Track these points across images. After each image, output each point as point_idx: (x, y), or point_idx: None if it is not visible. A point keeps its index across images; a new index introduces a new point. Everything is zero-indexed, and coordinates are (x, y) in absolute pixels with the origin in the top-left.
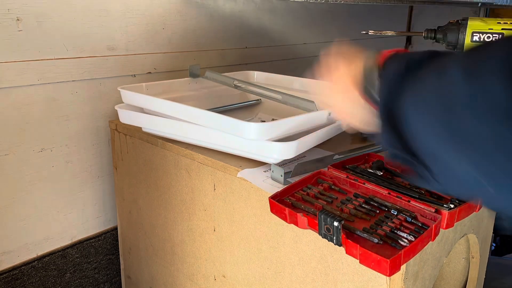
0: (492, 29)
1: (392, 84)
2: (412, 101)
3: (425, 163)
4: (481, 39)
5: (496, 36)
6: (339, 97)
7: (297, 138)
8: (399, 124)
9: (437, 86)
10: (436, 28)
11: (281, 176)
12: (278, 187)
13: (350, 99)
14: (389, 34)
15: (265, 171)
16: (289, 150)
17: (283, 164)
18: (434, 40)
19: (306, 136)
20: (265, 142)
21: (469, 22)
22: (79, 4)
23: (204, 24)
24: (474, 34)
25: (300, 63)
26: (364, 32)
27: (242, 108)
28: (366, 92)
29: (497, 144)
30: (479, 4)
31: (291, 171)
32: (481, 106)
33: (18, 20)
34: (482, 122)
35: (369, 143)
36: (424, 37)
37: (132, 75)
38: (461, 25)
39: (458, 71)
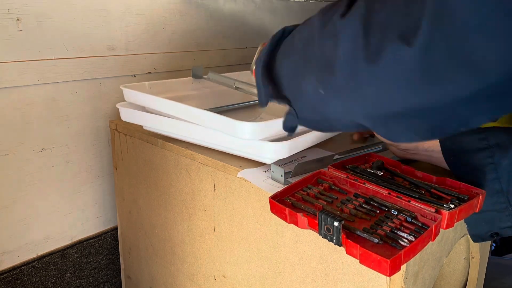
0: None
1: (270, 47)
2: (283, 51)
3: (290, 100)
4: None
5: None
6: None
7: (294, 137)
8: (274, 75)
9: (301, 32)
10: None
11: (281, 176)
12: (278, 187)
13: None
14: None
15: (265, 171)
16: (282, 150)
17: (283, 164)
18: None
19: (300, 136)
20: (259, 142)
21: None
22: (79, 4)
23: (204, 24)
24: None
25: None
26: None
27: (246, 108)
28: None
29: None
30: None
31: (291, 171)
32: (323, 34)
33: (18, 20)
34: (322, 45)
35: (369, 143)
36: None
37: (132, 75)
38: None
39: (316, 16)
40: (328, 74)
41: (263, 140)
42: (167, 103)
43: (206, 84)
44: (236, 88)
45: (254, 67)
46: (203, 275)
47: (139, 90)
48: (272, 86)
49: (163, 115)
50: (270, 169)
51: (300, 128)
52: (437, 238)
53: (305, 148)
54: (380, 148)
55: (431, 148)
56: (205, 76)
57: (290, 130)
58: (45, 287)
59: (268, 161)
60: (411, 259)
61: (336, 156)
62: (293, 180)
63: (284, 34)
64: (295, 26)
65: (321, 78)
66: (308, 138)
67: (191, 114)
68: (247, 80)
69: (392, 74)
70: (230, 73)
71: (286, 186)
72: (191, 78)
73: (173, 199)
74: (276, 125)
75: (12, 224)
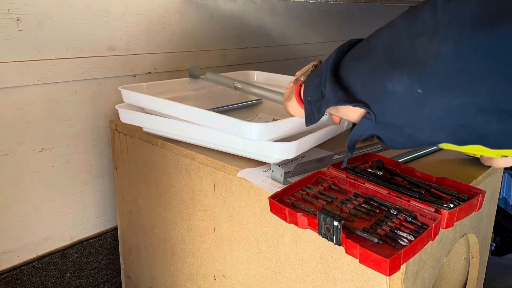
0: None
1: (338, 53)
2: (354, 57)
3: (368, 103)
4: None
5: None
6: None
7: (297, 138)
8: (342, 82)
9: (379, 35)
10: None
11: (281, 176)
12: (278, 187)
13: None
14: None
15: (265, 171)
16: (289, 150)
17: (283, 164)
18: None
19: (307, 136)
20: (265, 142)
21: None
22: (79, 4)
23: (204, 24)
24: None
25: (300, 63)
26: None
27: (243, 108)
28: (303, 90)
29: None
30: None
31: (291, 171)
32: (414, 30)
33: (18, 20)
34: (416, 41)
35: (369, 143)
36: None
37: (132, 75)
38: None
39: (398, 19)
40: (428, 70)
41: (270, 141)
42: (168, 104)
43: (203, 84)
44: (235, 88)
45: (303, 78)
46: (203, 275)
47: (137, 91)
48: (344, 91)
49: (163, 116)
50: (270, 169)
51: (302, 128)
52: (437, 237)
53: (311, 147)
54: (380, 148)
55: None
56: (203, 76)
57: (358, 138)
58: (45, 287)
59: (274, 161)
60: (411, 259)
61: (336, 156)
62: (293, 180)
63: (351, 43)
64: (360, 39)
65: (418, 76)
66: (314, 138)
67: (195, 115)
68: (244, 79)
69: None
70: (227, 73)
71: (285, 186)
72: (188, 78)
73: (173, 199)
74: (282, 126)
75: (12, 224)
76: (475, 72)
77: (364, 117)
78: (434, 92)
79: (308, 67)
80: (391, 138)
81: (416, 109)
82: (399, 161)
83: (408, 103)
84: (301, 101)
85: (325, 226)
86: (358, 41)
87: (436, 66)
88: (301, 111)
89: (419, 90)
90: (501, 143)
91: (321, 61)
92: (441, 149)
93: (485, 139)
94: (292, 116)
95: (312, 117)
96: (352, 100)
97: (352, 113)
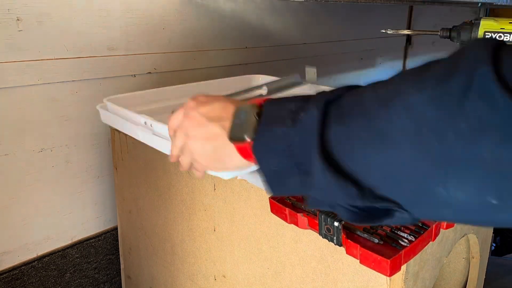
0: (504, 28)
1: (320, 118)
2: (355, 138)
3: (400, 203)
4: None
5: (507, 36)
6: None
7: None
8: (346, 166)
9: (394, 114)
10: (451, 27)
11: None
12: None
13: (218, 155)
14: (406, 32)
15: None
16: None
17: None
18: (449, 38)
19: None
20: None
21: (481, 22)
22: (79, 4)
23: (204, 24)
24: (486, 34)
25: (300, 63)
26: (383, 31)
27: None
28: (237, 134)
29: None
30: (479, 4)
31: None
32: (470, 127)
33: (18, 20)
34: (473, 143)
35: None
36: (440, 36)
37: (132, 75)
38: (474, 24)
39: (417, 91)
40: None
41: None
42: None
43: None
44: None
45: (247, 135)
46: (203, 275)
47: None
48: (352, 183)
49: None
50: None
51: None
52: (437, 238)
53: None
54: None
55: None
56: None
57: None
58: (45, 287)
59: None
60: (411, 259)
61: None
62: None
63: (329, 100)
64: (339, 96)
65: (490, 185)
66: None
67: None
68: (247, 83)
69: None
70: (232, 78)
71: None
72: (176, 86)
73: (173, 199)
74: None
75: (12, 224)
76: None
77: (394, 210)
78: None
79: (241, 106)
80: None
81: (485, 218)
82: None
83: (472, 210)
84: (252, 157)
85: (325, 226)
86: (335, 98)
87: None
88: (244, 165)
89: (494, 201)
90: None
91: (260, 104)
92: None
93: None
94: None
95: (280, 188)
96: (377, 198)
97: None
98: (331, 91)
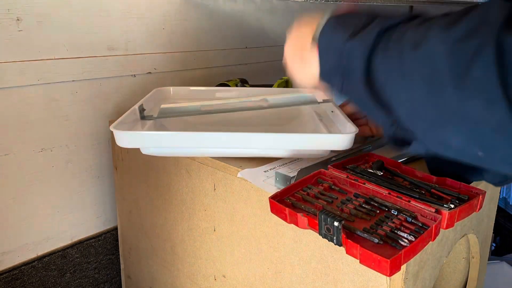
0: None
1: (364, 40)
2: (391, 71)
3: (408, 128)
4: None
5: None
6: (294, 52)
7: None
8: (384, 94)
9: (418, 58)
10: None
11: (288, 183)
12: (278, 187)
13: (302, 55)
14: None
15: (265, 171)
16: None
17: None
18: None
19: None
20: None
21: None
22: (79, 4)
23: (204, 24)
24: None
25: None
26: None
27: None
28: (315, 35)
29: (486, 120)
30: (479, 4)
31: (294, 176)
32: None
33: (18, 20)
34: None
35: (368, 143)
36: None
37: (132, 75)
38: None
39: (440, 43)
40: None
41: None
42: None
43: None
44: (203, 112)
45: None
46: (203, 275)
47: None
48: (386, 110)
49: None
50: (271, 170)
51: None
52: (437, 238)
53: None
54: (370, 147)
55: None
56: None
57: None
58: (45, 287)
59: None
60: (411, 259)
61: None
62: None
63: (380, 32)
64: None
65: (480, 142)
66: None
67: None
68: (157, 98)
69: None
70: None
71: (286, 186)
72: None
73: (173, 199)
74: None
75: (12, 224)
76: None
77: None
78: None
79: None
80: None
81: (477, 163)
82: (399, 161)
83: (465, 156)
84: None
85: (325, 226)
86: (391, 27)
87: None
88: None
89: (480, 153)
90: None
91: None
92: None
93: None
94: (296, 81)
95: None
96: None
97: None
98: (392, 18)
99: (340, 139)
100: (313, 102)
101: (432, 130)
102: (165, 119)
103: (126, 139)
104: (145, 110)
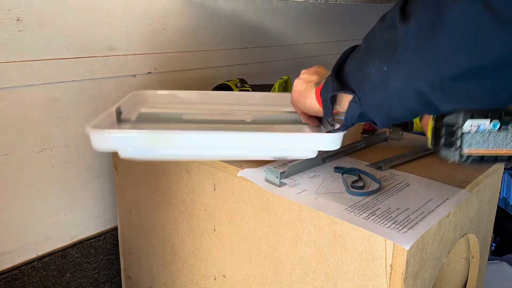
0: None
1: (342, 57)
2: (351, 56)
3: (354, 90)
4: None
5: None
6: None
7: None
8: (342, 77)
9: (364, 38)
10: None
11: (277, 177)
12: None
13: (306, 91)
14: None
15: (265, 171)
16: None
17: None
18: None
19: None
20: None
21: None
22: (79, 4)
23: (204, 24)
24: None
25: (300, 63)
26: None
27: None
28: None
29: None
30: None
31: (284, 171)
32: (385, 24)
33: (18, 20)
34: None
35: (362, 140)
36: None
37: (132, 75)
38: None
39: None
40: (391, 51)
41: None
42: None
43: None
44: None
45: (323, 80)
46: (203, 275)
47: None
48: (338, 83)
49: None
50: (264, 171)
51: None
52: (437, 237)
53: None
54: (364, 145)
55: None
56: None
57: (350, 120)
58: (45, 287)
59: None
60: (411, 260)
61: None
62: (287, 180)
63: (354, 47)
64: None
65: (384, 58)
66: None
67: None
68: (135, 102)
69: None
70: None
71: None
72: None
73: (173, 199)
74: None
75: (12, 224)
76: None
77: (352, 101)
78: (394, 68)
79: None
80: (375, 117)
81: (385, 85)
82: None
83: (379, 81)
84: (320, 97)
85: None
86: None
87: (398, 47)
88: (317, 107)
89: (385, 68)
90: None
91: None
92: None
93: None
94: (304, 112)
95: (326, 110)
96: (342, 88)
97: (347, 104)
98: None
99: (328, 138)
100: (297, 122)
101: (358, 69)
102: (143, 124)
103: (103, 140)
104: (122, 113)
